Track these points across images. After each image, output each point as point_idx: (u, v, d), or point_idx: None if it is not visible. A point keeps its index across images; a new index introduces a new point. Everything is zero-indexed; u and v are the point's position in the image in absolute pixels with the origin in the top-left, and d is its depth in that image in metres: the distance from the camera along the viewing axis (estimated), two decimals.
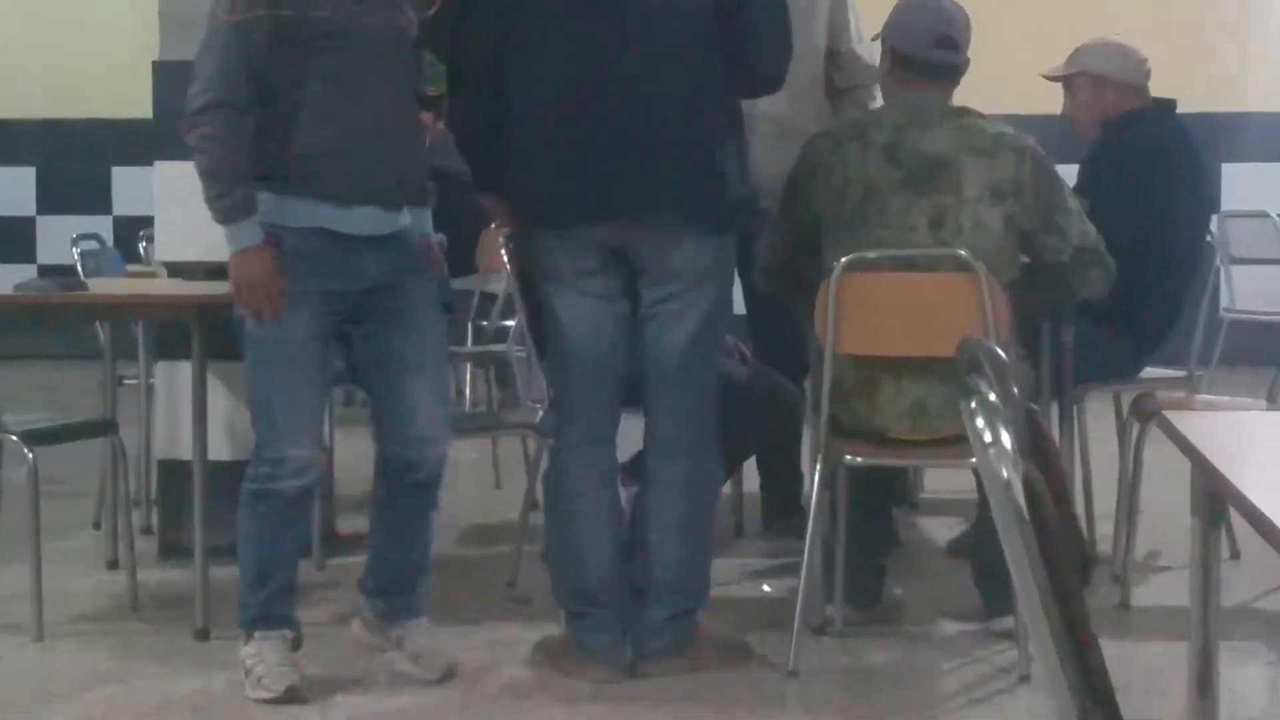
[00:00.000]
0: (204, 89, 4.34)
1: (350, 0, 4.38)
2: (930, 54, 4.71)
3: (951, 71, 4.74)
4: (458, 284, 7.89)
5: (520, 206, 4.62)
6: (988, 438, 1.53)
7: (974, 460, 3.85)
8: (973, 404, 1.57)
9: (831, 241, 4.63)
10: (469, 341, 7.84)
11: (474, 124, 4.61)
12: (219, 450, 5.52)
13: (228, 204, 4.33)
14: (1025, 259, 4.74)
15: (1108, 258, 4.73)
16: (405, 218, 4.52)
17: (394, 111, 4.45)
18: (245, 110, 4.32)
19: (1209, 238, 6.28)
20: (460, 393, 8.06)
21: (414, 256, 4.55)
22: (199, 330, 4.92)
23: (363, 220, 4.42)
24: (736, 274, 4.86)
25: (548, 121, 4.47)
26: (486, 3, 4.54)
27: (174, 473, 5.88)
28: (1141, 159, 5.61)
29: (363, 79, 4.37)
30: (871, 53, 5.61)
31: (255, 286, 4.32)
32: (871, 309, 4.53)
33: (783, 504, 6.18)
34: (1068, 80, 5.87)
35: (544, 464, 5.07)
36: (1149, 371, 5.84)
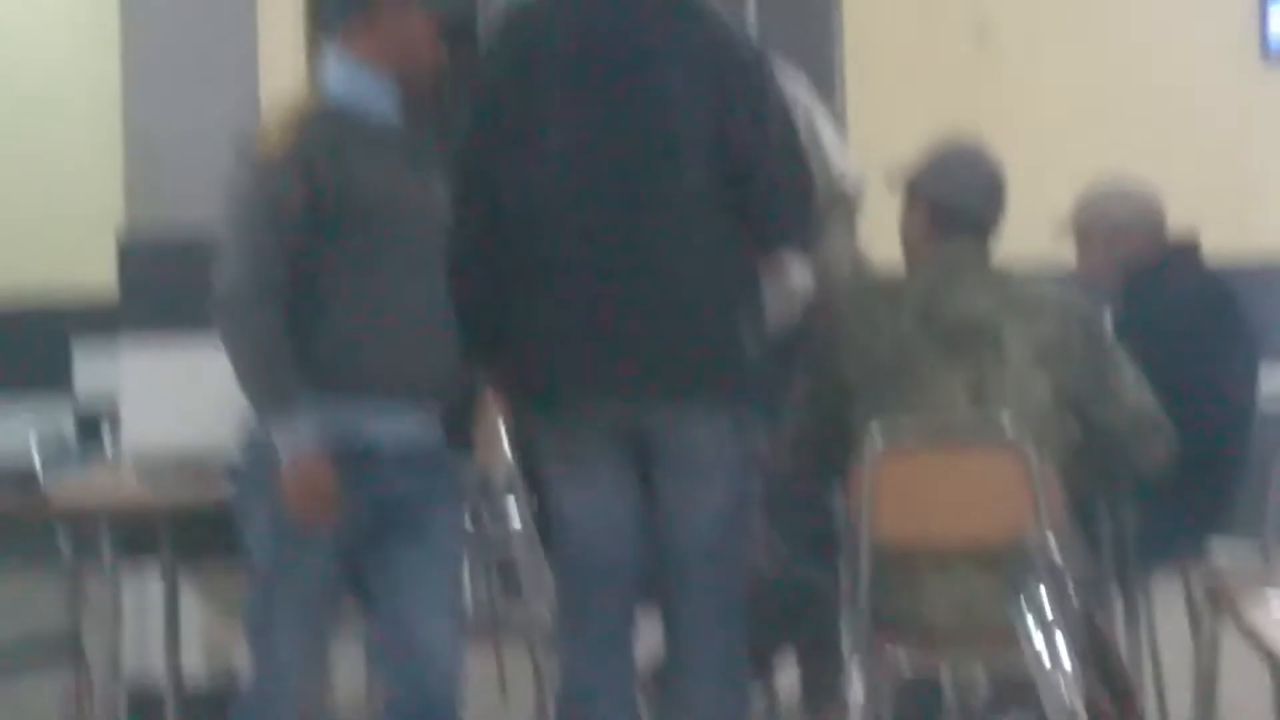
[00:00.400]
0: (233, 275, 4.21)
1: (386, 172, 4.30)
2: (975, 205, 4.73)
3: (993, 226, 4.76)
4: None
5: (516, 386, 4.61)
6: (1047, 660, 1.52)
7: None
8: (1028, 618, 1.56)
9: (863, 415, 4.62)
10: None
11: (465, 302, 4.55)
12: (196, 673, 5.46)
13: (268, 402, 4.21)
14: (1078, 432, 4.72)
15: (1168, 425, 4.71)
16: (436, 427, 4.41)
17: (431, 304, 4.34)
18: (279, 293, 4.19)
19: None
20: None
21: (444, 473, 4.44)
22: (168, 535, 4.91)
23: (394, 425, 4.31)
24: None
25: (544, 297, 4.47)
26: (477, 179, 4.57)
27: (145, 703, 5.75)
28: (1173, 317, 5.54)
29: (398, 264, 4.28)
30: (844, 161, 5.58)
31: (310, 497, 4.16)
32: (911, 492, 4.51)
33: (821, 692, 6.11)
34: (1078, 234, 5.82)
35: (554, 675, 5.01)
36: (1220, 544, 5.77)
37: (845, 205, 5.90)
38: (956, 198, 4.72)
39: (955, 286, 4.65)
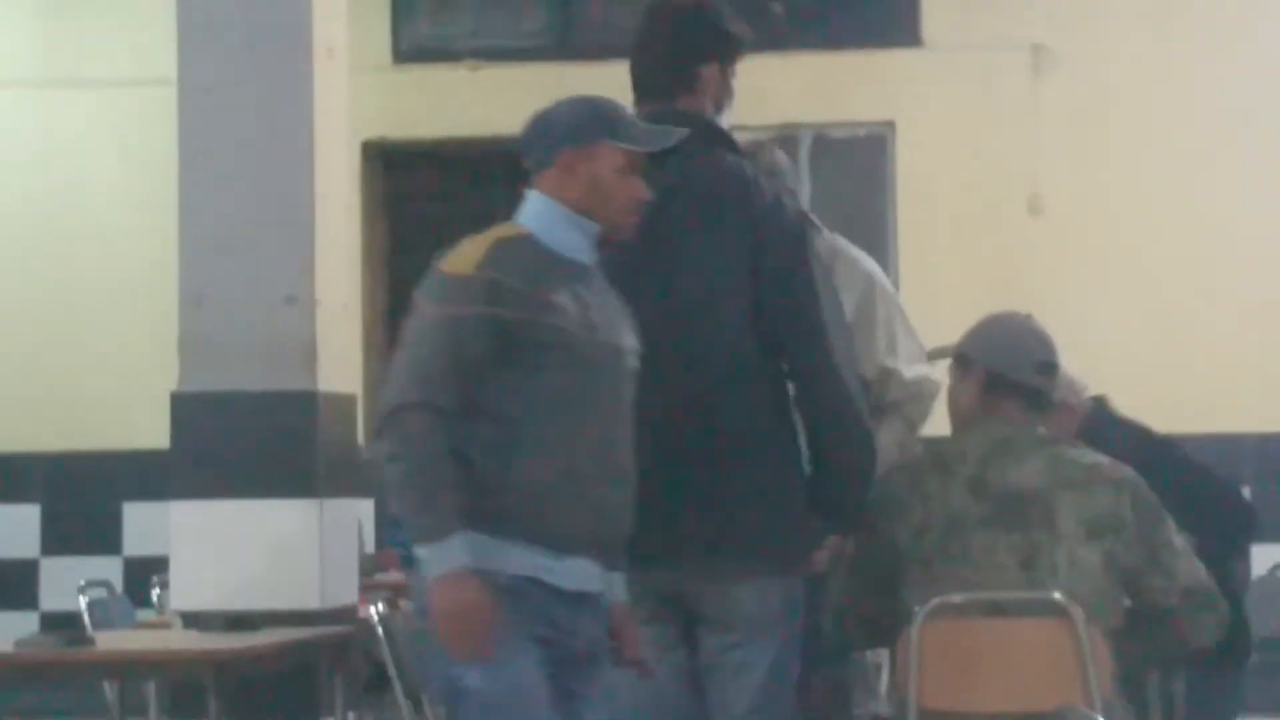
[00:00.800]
0: (403, 388, 3.96)
1: (582, 310, 4.09)
2: (1031, 379, 4.72)
3: (1048, 401, 4.77)
4: None
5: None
6: None
7: None
8: None
9: (911, 583, 4.59)
10: None
11: None
12: None
13: (428, 521, 3.90)
14: (1128, 602, 4.69)
15: (1221, 599, 4.68)
16: (617, 579, 4.20)
17: (620, 449, 4.13)
18: (450, 415, 3.95)
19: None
20: None
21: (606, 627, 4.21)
22: (216, 689, 4.91)
23: (578, 573, 4.06)
24: None
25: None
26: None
27: None
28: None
29: (591, 406, 4.07)
30: (915, 369, 5.55)
31: (463, 618, 3.86)
32: (959, 660, 4.48)
33: None
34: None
35: None
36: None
37: (904, 405, 5.81)
38: (1009, 368, 4.72)
39: (1006, 457, 4.63)
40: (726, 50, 4.64)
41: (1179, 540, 4.65)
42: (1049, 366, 4.76)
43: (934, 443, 4.77)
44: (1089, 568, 4.52)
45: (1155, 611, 4.63)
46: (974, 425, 4.71)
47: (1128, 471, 4.64)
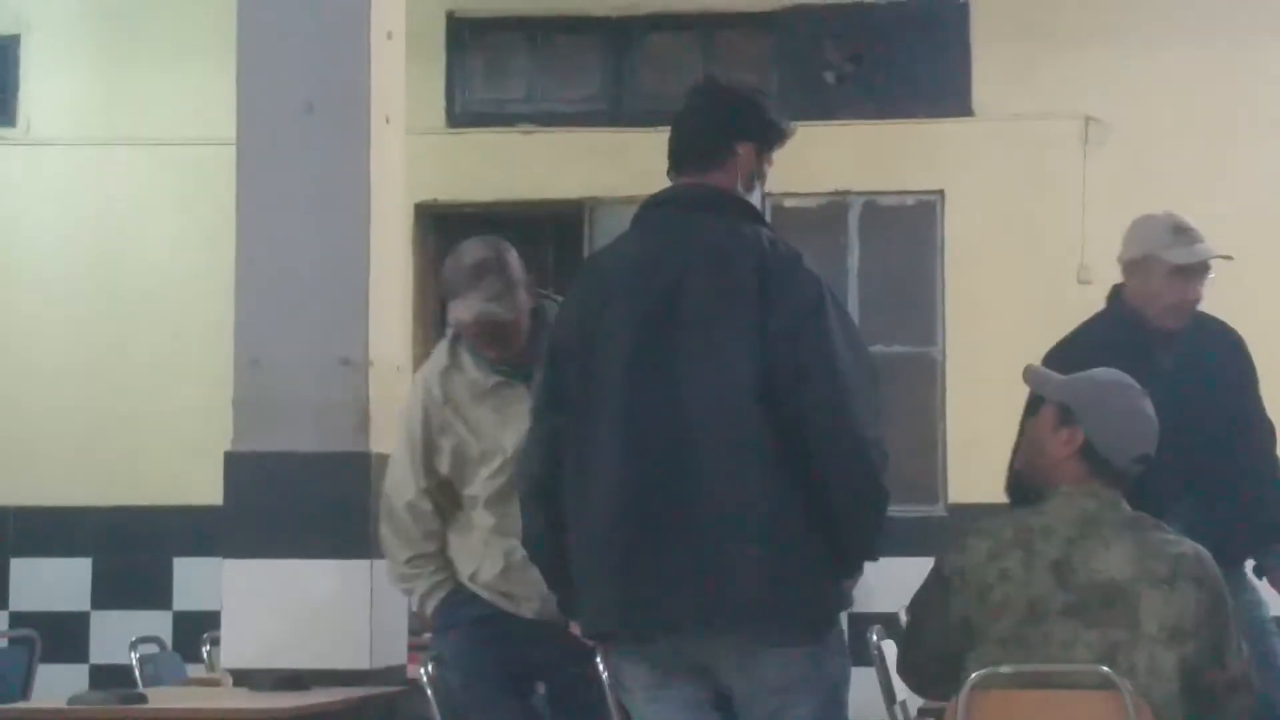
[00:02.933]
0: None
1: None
2: (1130, 468, 4.61)
3: (1130, 483, 4.64)
4: None
5: (585, 623, 4.55)
6: None
7: None
8: None
9: (983, 661, 4.46)
10: None
11: (532, 546, 4.59)
12: None
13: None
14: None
15: (1254, 683, 4.62)
16: None
17: None
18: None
19: None
20: None
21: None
22: None
23: None
24: None
25: (599, 536, 4.37)
26: (539, 427, 4.54)
27: None
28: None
29: None
30: None
31: None
32: None
33: None
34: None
35: None
36: None
37: None
38: (1112, 451, 4.57)
39: (1094, 540, 4.49)
40: (764, 135, 4.63)
41: (1237, 634, 4.55)
42: (1146, 459, 4.63)
43: (1018, 515, 4.65)
44: (1166, 670, 4.41)
45: (1200, 696, 4.54)
46: (1060, 494, 4.58)
47: (1207, 562, 4.50)
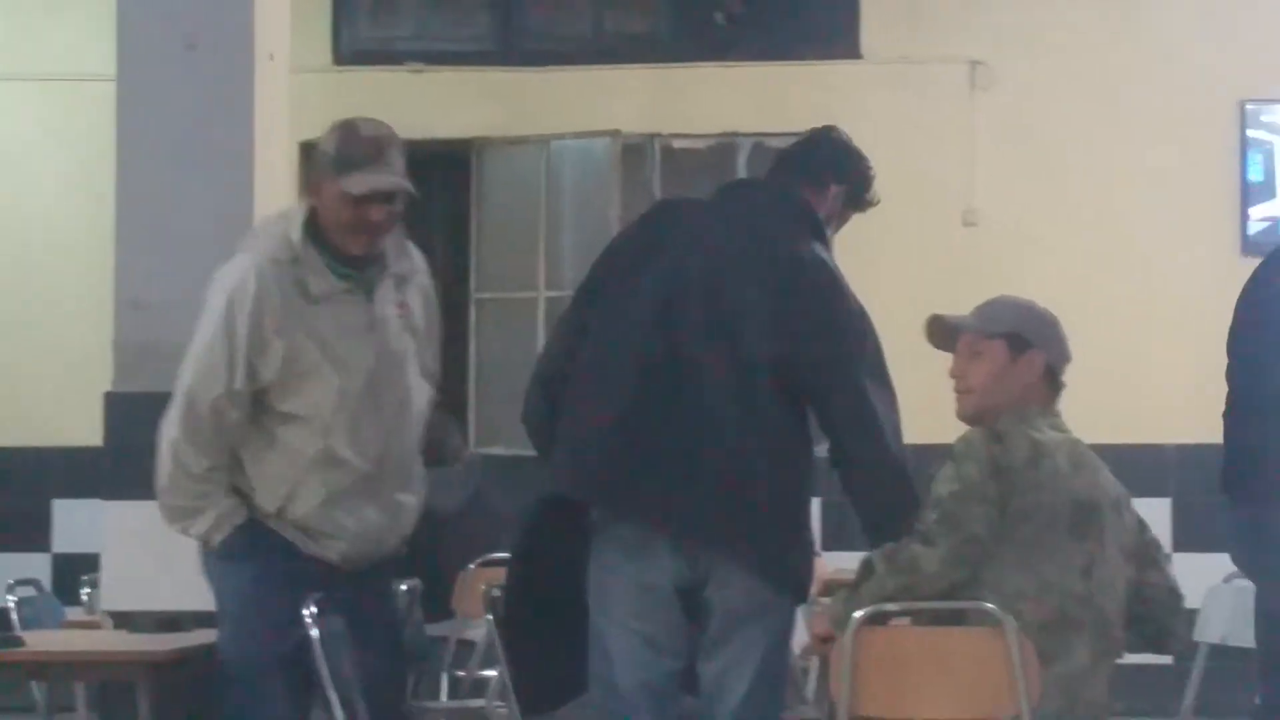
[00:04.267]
0: None
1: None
2: (1065, 376, 4.89)
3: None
4: (432, 629, 7.86)
5: (562, 483, 4.86)
6: None
7: None
8: None
9: (1003, 561, 4.58)
10: (444, 695, 7.76)
11: (531, 425, 5.08)
12: None
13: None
14: None
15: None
16: None
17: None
18: None
19: None
20: None
21: None
22: (147, 690, 4.88)
23: None
24: None
25: (606, 422, 4.75)
26: (573, 317, 4.97)
27: None
28: None
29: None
30: None
31: None
32: (891, 667, 4.50)
33: None
34: None
35: None
36: None
37: None
38: (1063, 364, 4.87)
39: (1086, 465, 4.71)
40: (855, 190, 5.19)
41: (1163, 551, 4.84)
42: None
43: (1023, 429, 4.73)
44: (1120, 587, 4.67)
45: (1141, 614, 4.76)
46: (1034, 413, 4.76)
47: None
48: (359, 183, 4.89)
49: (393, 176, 4.96)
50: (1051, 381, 4.83)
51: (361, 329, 4.86)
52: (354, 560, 4.99)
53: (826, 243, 5.04)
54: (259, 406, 4.98)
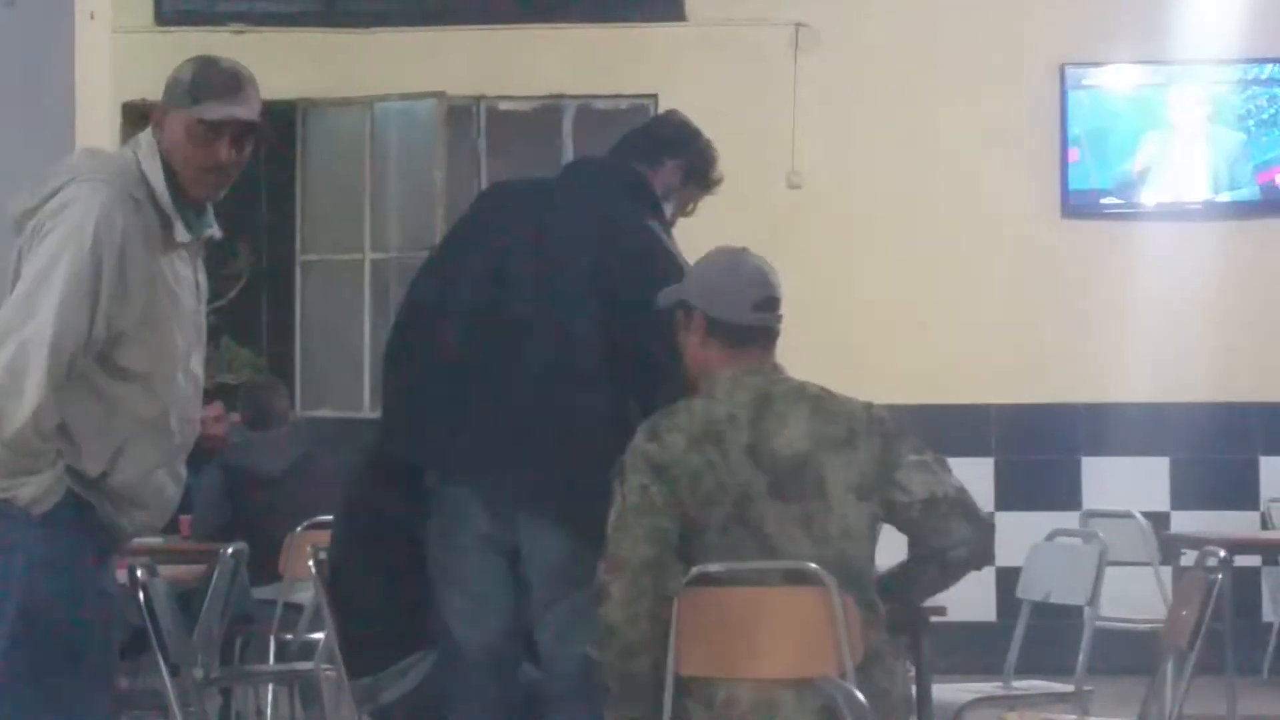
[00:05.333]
0: None
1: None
2: (751, 319, 4.66)
3: (774, 335, 4.72)
4: (259, 593, 7.84)
5: (402, 447, 4.95)
6: None
7: None
8: None
9: (707, 548, 4.50)
10: (271, 658, 7.74)
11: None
12: None
13: None
14: None
15: (976, 509, 4.64)
16: None
17: None
18: None
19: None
20: (261, 715, 7.93)
21: None
22: None
23: None
24: None
25: (442, 388, 4.87)
26: (418, 290, 5.10)
27: None
28: None
29: None
30: None
31: None
32: (714, 628, 4.48)
33: None
34: None
35: None
36: (1034, 685, 5.94)
37: None
38: (727, 311, 4.64)
39: (771, 418, 4.56)
40: (695, 170, 5.36)
41: (916, 457, 4.62)
42: (769, 302, 4.70)
43: (696, 407, 4.62)
44: (859, 530, 4.53)
45: (906, 528, 4.62)
46: (724, 379, 4.62)
47: (875, 411, 4.63)
48: (215, 110, 4.47)
49: (246, 110, 4.53)
50: (721, 331, 4.67)
51: (190, 287, 4.59)
52: (142, 533, 4.69)
53: (661, 215, 5.16)
54: (92, 359, 4.39)
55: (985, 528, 4.65)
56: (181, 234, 4.44)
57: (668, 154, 5.27)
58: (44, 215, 4.36)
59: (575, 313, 4.82)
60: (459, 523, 4.82)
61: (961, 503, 4.61)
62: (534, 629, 4.83)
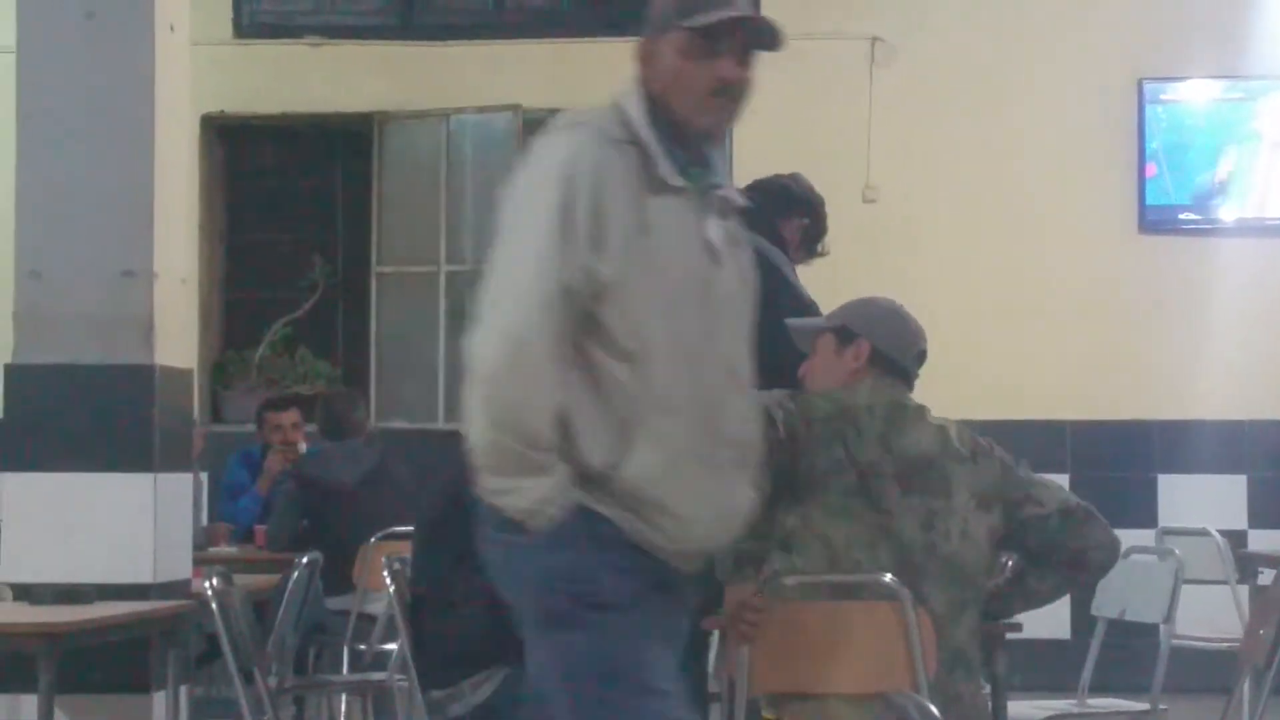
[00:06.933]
0: None
1: None
2: (910, 363, 4.88)
3: (911, 384, 4.90)
4: (333, 603, 7.87)
5: None
6: None
7: None
8: None
9: (823, 507, 4.61)
10: (345, 668, 7.77)
11: None
12: None
13: None
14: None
15: (1100, 516, 4.86)
16: None
17: None
18: None
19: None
20: None
21: None
22: (47, 662, 4.87)
23: None
24: None
25: None
26: None
27: None
28: None
29: None
30: None
31: None
32: (790, 642, 4.50)
33: None
34: None
35: None
36: (1109, 703, 5.90)
37: None
38: (896, 351, 4.85)
39: (903, 421, 4.73)
40: (813, 231, 6.17)
41: (1033, 476, 4.84)
42: (923, 355, 4.92)
43: (834, 393, 4.74)
44: (978, 535, 4.68)
45: (1045, 547, 4.79)
46: (867, 382, 4.80)
47: (993, 444, 4.81)
48: (709, 15, 3.85)
49: (744, 9, 3.92)
50: (882, 363, 4.84)
51: (699, 246, 3.86)
52: (691, 557, 3.84)
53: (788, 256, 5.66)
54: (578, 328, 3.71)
55: (1113, 532, 4.89)
56: (669, 173, 3.79)
57: (797, 211, 5.85)
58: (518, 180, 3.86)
59: None
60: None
61: (1091, 511, 4.87)
62: None
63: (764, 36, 3.92)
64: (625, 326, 3.67)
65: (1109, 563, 4.91)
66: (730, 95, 3.88)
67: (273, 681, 6.40)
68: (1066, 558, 4.83)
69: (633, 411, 3.65)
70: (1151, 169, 11.06)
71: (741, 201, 4.02)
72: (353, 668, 7.67)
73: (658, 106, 3.85)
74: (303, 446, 9.10)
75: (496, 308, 3.65)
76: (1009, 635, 5.21)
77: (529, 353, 3.58)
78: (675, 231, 3.77)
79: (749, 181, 5.84)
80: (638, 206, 3.73)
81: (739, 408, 3.86)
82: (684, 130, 3.85)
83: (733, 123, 3.94)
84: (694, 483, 3.71)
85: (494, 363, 3.60)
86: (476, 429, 3.59)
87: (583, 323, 3.65)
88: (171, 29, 6.58)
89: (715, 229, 3.87)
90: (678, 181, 3.79)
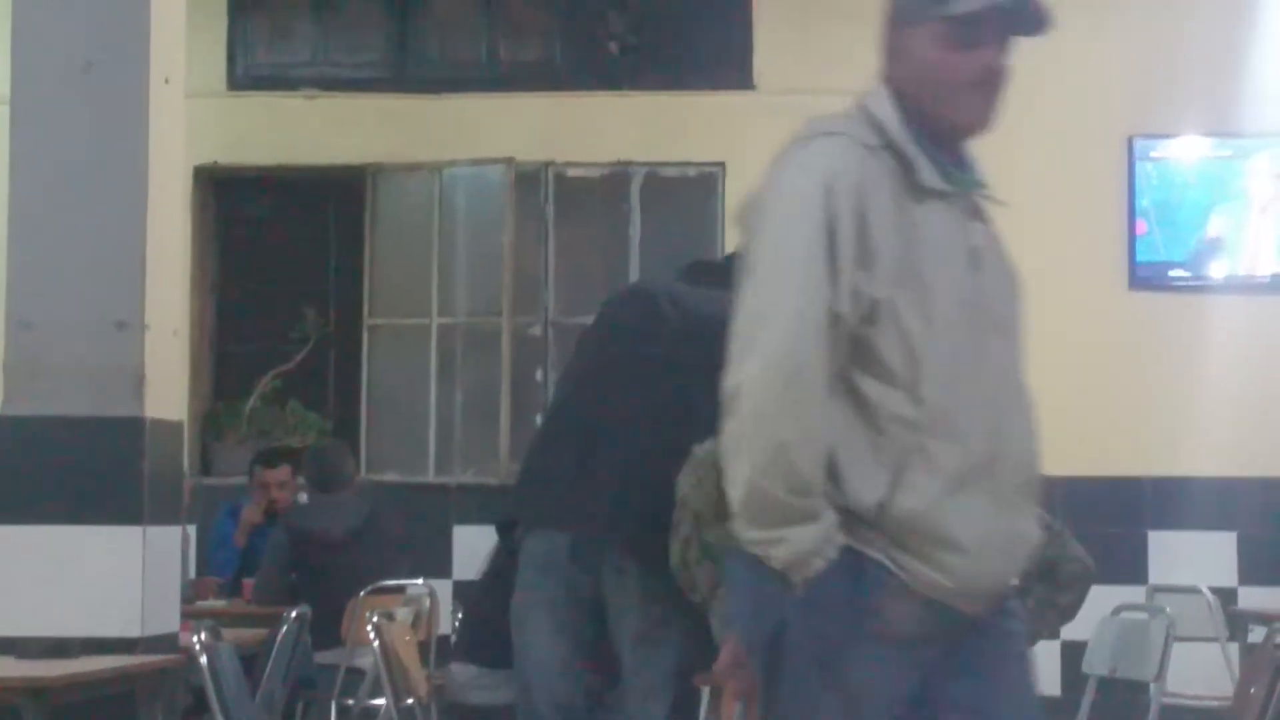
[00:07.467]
0: None
1: None
2: None
3: None
4: (321, 657, 7.83)
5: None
6: None
7: None
8: None
9: None
10: None
11: None
12: None
13: None
14: None
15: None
16: None
17: None
18: None
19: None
20: None
21: None
22: (34, 716, 4.84)
23: None
24: None
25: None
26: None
27: None
28: None
29: None
30: None
31: None
32: None
33: None
34: None
35: None
36: None
37: None
38: None
39: None
40: None
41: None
42: None
43: None
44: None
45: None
46: None
47: None
48: (971, 2, 3.53)
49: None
50: None
51: (964, 255, 3.57)
52: (978, 592, 3.41)
53: None
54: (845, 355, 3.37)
55: (1085, 551, 5.19)
56: (931, 177, 3.50)
57: None
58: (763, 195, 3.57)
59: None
60: (543, 575, 4.84)
61: (1063, 529, 5.19)
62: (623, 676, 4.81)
63: (1029, 21, 3.61)
64: (898, 349, 3.34)
65: (1082, 576, 4.89)
66: (994, 86, 3.60)
67: None
68: (1038, 570, 4.85)
69: (907, 441, 3.32)
70: (1142, 226, 11.06)
71: (1000, 201, 3.73)
72: None
73: (909, 105, 3.55)
74: (303, 497, 9.07)
75: (760, 339, 3.29)
76: None
77: (801, 385, 3.25)
78: (942, 241, 3.48)
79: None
80: (902, 217, 3.42)
81: (1021, 426, 3.59)
82: (942, 129, 3.57)
83: (998, 117, 3.64)
84: (977, 511, 3.35)
85: (761, 399, 3.25)
86: (739, 475, 3.24)
87: (850, 348, 3.33)
88: (166, 81, 6.58)
89: (978, 233, 3.63)
90: (941, 186, 3.52)
